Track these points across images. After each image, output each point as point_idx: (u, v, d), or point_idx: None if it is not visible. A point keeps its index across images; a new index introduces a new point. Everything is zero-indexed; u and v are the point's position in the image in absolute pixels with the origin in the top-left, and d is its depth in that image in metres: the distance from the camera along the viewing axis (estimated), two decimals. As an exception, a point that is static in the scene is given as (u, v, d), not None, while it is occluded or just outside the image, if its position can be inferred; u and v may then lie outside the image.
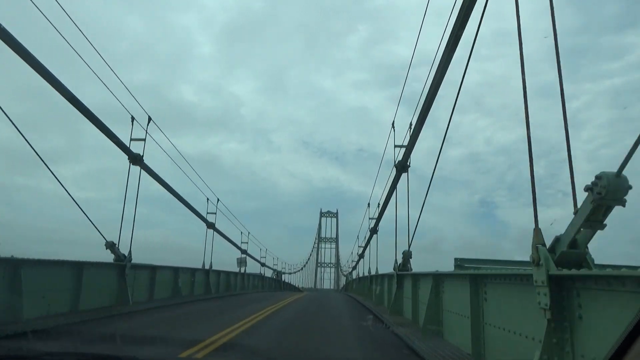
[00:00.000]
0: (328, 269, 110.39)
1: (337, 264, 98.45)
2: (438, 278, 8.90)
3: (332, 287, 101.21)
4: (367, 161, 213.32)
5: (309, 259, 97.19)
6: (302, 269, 76.54)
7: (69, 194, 11.03)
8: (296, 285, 69.99)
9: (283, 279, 52.16)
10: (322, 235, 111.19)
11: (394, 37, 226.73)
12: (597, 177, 3.86)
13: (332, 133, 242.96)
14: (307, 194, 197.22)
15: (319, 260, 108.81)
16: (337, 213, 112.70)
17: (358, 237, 35.90)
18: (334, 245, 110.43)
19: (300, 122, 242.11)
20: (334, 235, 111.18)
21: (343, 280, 70.52)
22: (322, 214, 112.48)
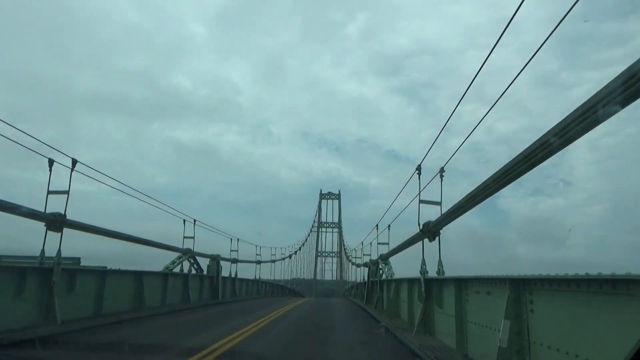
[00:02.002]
0: (330, 259, 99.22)
1: (340, 253, 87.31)
2: (520, 286, 5.24)
3: (334, 278, 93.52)
4: (367, 152, 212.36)
5: (303, 244, 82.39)
6: (290, 256, 62.21)
7: None
8: (273, 281, 48.87)
9: (234, 274, 29.60)
10: (322, 220, 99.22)
11: (393, 26, 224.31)
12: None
13: (331, 124, 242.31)
14: (308, 186, 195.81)
15: (319, 249, 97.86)
16: (339, 194, 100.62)
17: (362, 244, 31.15)
18: (336, 231, 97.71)
19: (299, 113, 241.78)
20: (335, 220, 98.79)
21: (350, 272, 59.44)
22: (322, 196, 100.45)
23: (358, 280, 36.69)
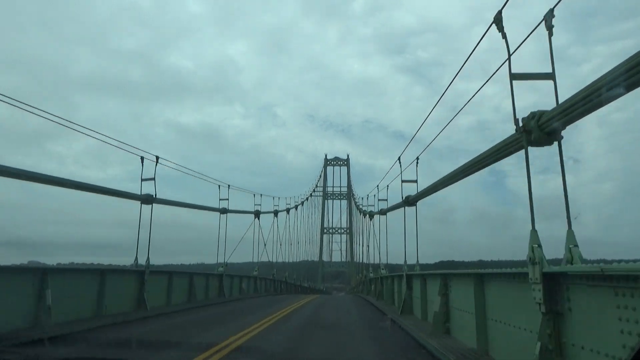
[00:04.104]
0: (338, 237, 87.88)
1: (351, 229, 77.61)
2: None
3: (344, 259, 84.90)
4: (373, 132, 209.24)
5: (308, 197, 69.25)
6: (295, 207, 50.51)
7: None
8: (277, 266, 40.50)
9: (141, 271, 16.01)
10: (328, 191, 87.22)
11: (398, 3, 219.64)
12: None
13: (337, 106, 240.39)
14: (315, 169, 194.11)
15: (325, 225, 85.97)
16: (347, 160, 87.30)
17: (378, 188, 23.15)
18: (344, 204, 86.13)
19: (304, 94, 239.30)
20: (344, 189, 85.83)
21: (361, 246, 45.00)
22: (327, 162, 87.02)
23: (376, 262, 27.22)
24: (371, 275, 28.59)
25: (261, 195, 32.99)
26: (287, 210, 46.39)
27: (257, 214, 32.15)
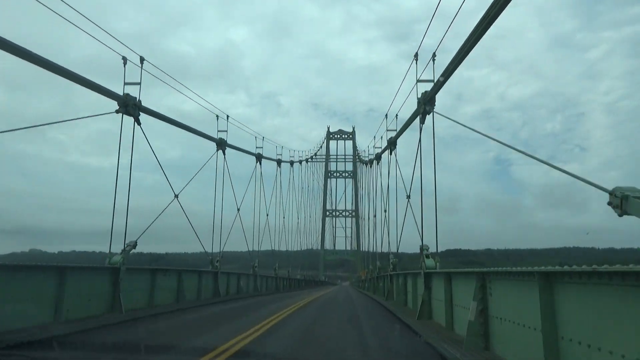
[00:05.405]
0: (342, 220, 78.23)
1: (357, 212, 70.46)
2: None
3: (349, 248, 75.78)
4: (377, 121, 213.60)
5: (316, 152, 64.46)
6: (306, 161, 50.93)
7: None
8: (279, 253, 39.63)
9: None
10: (331, 168, 77.94)
11: None
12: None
13: (341, 94, 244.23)
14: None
15: (328, 207, 76.80)
16: (353, 132, 75.68)
17: (375, 139, 30.03)
18: (349, 179, 77.05)
19: (307, 83, 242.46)
20: (349, 167, 76.70)
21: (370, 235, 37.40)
22: (330, 135, 75.64)
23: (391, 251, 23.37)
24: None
25: (282, 147, 39.95)
26: (300, 162, 49.13)
27: (279, 162, 39.22)
